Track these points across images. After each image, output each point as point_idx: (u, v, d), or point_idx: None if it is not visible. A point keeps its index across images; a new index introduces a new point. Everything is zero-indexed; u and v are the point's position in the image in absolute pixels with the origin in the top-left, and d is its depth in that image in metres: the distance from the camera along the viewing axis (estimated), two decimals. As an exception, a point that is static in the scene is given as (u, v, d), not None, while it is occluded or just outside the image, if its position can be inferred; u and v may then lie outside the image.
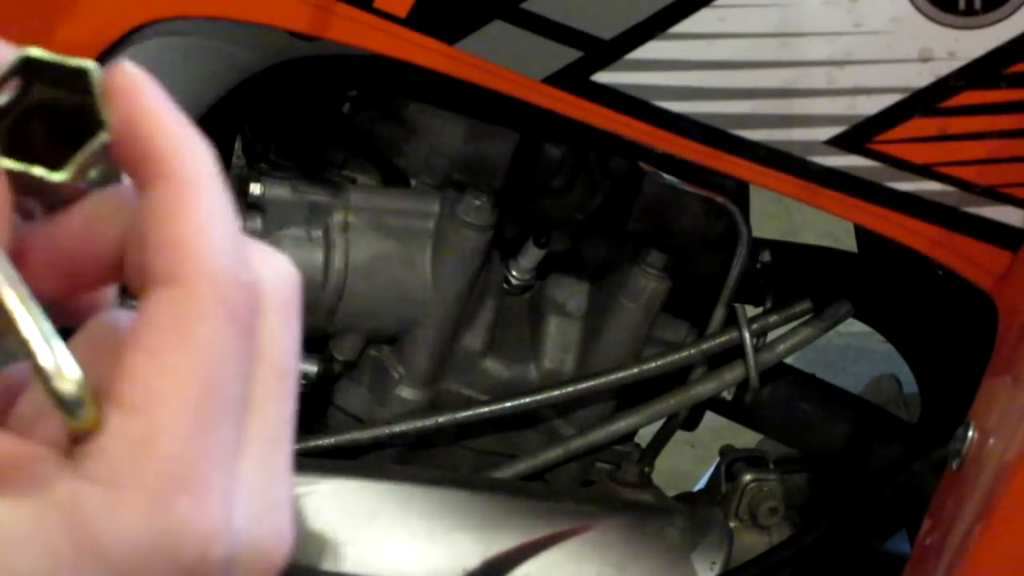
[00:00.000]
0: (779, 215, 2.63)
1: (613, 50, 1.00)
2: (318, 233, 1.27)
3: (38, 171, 0.39)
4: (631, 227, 1.32)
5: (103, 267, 0.41)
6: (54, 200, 0.42)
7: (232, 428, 0.39)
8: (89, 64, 0.40)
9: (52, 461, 0.38)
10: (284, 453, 0.41)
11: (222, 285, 0.38)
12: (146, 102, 0.40)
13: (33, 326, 0.37)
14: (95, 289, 0.44)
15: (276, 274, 0.41)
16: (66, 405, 0.37)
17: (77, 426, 0.38)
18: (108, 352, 0.39)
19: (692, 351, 1.35)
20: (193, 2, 1.02)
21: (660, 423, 1.44)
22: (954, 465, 1.04)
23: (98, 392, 0.38)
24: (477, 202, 1.26)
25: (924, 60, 1.00)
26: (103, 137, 0.40)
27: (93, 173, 0.41)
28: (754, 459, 1.46)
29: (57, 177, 0.39)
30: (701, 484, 1.55)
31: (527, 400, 1.34)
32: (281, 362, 0.41)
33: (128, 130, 0.40)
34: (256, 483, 0.40)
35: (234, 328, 0.38)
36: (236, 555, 0.39)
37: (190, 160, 0.40)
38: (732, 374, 1.36)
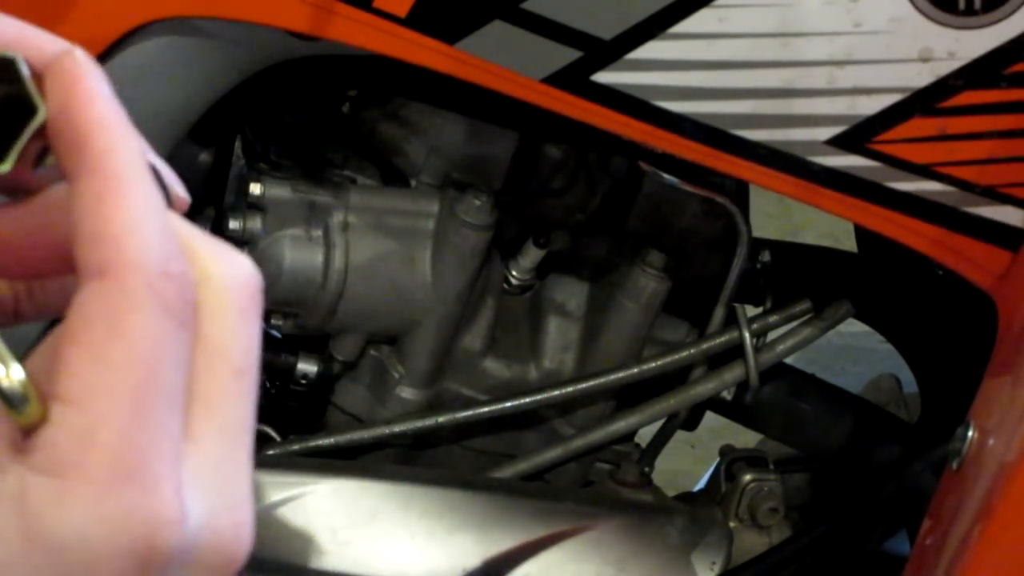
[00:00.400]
0: (779, 215, 2.64)
1: (613, 50, 1.00)
2: (318, 233, 1.27)
3: None
4: (631, 227, 1.32)
5: (59, 258, 0.42)
6: (18, 192, 0.42)
7: (175, 417, 0.39)
8: (13, 54, 0.41)
9: (1, 454, 0.38)
10: (242, 449, 0.41)
11: (151, 276, 0.39)
12: (82, 92, 0.40)
13: None
14: (57, 278, 0.44)
15: (234, 273, 0.42)
16: (9, 401, 0.38)
17: (23, 421, 0.39)
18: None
19: (692, 351, 1.35)
20: (193, 2, 1.02)
21: (660, 423, 1.44)
22: (954, 465, 1.04)
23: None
24: (477, 202, 1.26)
25: (924, 60, 1.00)
26: (36, 123, 0.40)
27: (50, 161, 0.41)
28: (754, 459, 1.46)
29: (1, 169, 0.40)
30: (701, 484, 1.55)
31: (527, 400, 1.34)
32: (237, 360, 0.41)
33: (61, 119, 0.40)
34: (212, 477, 0.40)
35: (166, 318, 0.39)
36: (192, 547, 0.39)
37: (119, 154, 0.40)
38: (732, 374, 1.36)
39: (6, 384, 0.38)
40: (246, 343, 0.42)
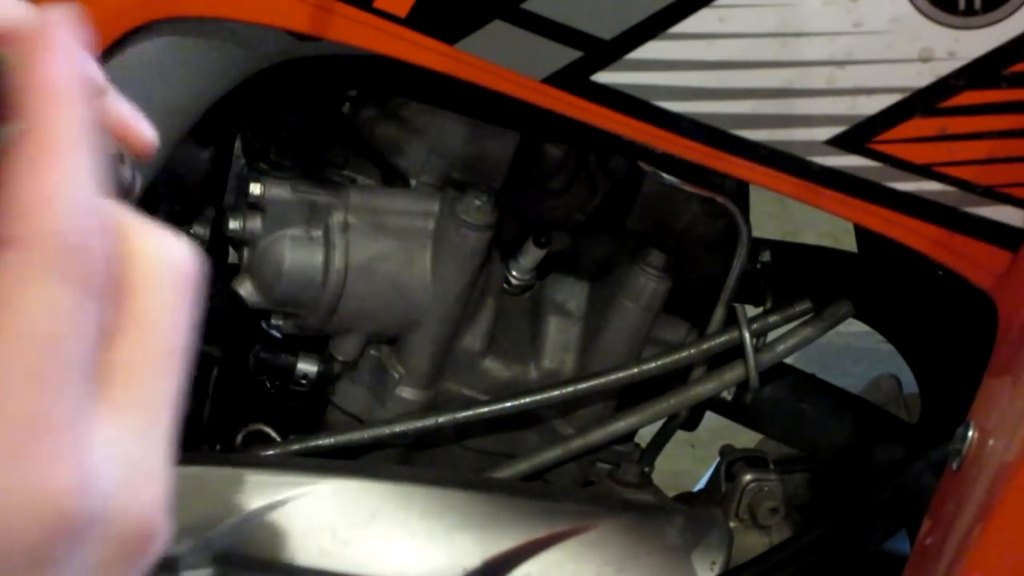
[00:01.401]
0: (779, 215, 2.64)
1: (613, 50, 1.00)
2: (318, 233, 1.27)
3: None
4: (631, 227, 1.32)
5: None
6: None
7: (78, 388, 0.38)
8: None
9: None
10: (161, 426, 0.41)
11: (60, 246, 0.38)
12: (36, 56, 0.39)
13: None
14: None
15: (169, 255, 0.42)
16: None
17: None
18: None
19: (692, 351, 1.35)
20: (193, 2, 1.02)
21: (660, 423, 1.44)
22: (954, 465, 1.04)
23: None
24: (477, 202, 1.26)
25: (924, 60, 1.00)
26: None
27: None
28: (754, 459, 1.46)
29: None
30: (701, 484, 1.55)
31: (527, 400, 1.34)
32: (165, 338, 0.41)
33: (13, 77, 0.39)
34: (126, 449, 0.40)
35: (73, 289, 0.38)
36: (102, 517, 0.38)
37: (57, 122, 0.39)
38: (732, 374, 1.36)
39: None
40: (176, 322, 0.42)
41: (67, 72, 0.40)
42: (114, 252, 0.40)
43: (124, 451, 0.40)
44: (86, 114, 0.40)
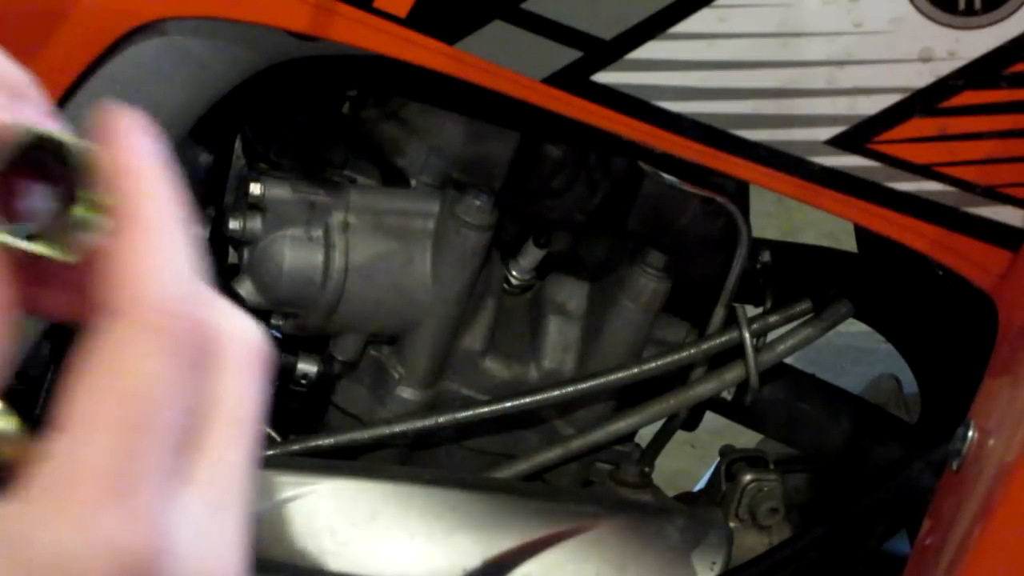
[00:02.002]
0: (779, 215, 2.63)
1: (613, 50, 1.00)
2: (318, 233, 1.27)
3: (44, 250, 0.41)
4: (631, 227, 1.32)
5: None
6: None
7: (168, 453, 0.40)
8: (51, 132, 0.41)
9: None
10: (235, 495, 0.42)
11: (163, 316, 0.40)
12: (122, 142, 0.42)
13: None
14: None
15: (242, 331, 0.43)
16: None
17: (10, 453, 0.40)
18: None
19: (692, 351, 1.35)
20: (193, 2, 1.02)
21: (660, 423, 1.44)
22: (954, 465, 1.04)
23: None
24: (477, 202, 1.26)
25: (924, 60, 1.00)
26: (90, 201, 0.41)
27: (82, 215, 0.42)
28: (754, 459, 1.46)
29: (68, 259, 0.41)
30: (701, 484, 1.55)
31: (527, 400, 1.34)
32: (237, 412, 0.42)
33: (104, 170, 0.42)
34: (203, 516, 0.41)
35: (172, 358, 0.40)
36: None
37: (154, 201, 0.41)
38: (732, 374, 1.36)
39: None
40: (248, 397, 0.43)
41: (152, 155, 0.42)
42: (205, 328, 0.42)
43: (200, 518, 0.41)
44: (174, 194, 0.42)
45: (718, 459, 1.48)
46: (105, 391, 0.39)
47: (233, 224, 1.26)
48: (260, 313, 1.30)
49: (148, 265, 0.40)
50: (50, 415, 0.39)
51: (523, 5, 0.99)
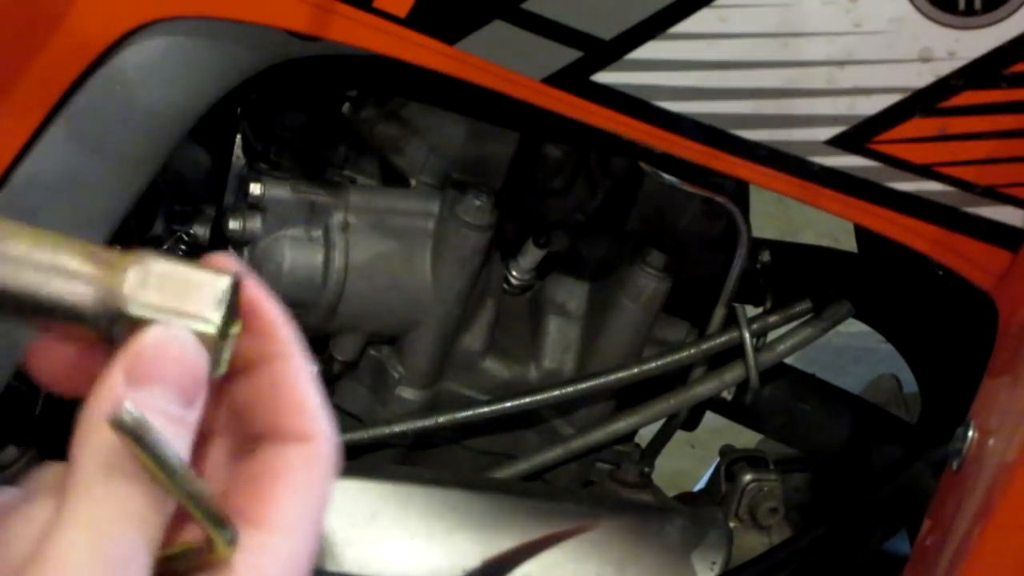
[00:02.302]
0: (779, 215, 2.64)
1: (613, 50, 1.00)
2: (318, 233, 1.27)
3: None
4: (631, 227, 1.32)
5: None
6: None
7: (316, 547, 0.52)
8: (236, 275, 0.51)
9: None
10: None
11: (332, 444, 0.53)
12: (258, 294, 0.52)
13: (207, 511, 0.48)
14: None
15: (330, 439, 0.54)
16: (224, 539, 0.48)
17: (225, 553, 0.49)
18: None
19: (692, 351, 1.35)
20: (193, 2, 1.02)
21: (660, 423, 1.44)
22: (954, 465, 1.04)
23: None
24: (477, 202, 1.26)
25: (924, 60, 1.00)
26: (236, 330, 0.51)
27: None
28: (754, 459, 1.46)
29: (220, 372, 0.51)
30: (701, 484, 1.55)
31: (527, 400, 1.34)
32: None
33: (250, 319, 0.52)
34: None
35: (332, 476, 0.53)
36: None
37: (297, 344, 0.53)
38: (732, 374, 1.36)
39: (223, 538, 0.48)
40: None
41: (277, 305, 0.53)
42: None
43: None
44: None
45: (718, 459, 1.48)
46: (309, 506, 0.51)
47: (233, 224, 1.26)
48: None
49: (316, 400, 0.53)
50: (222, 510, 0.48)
51: (523, 5, 0.99)
